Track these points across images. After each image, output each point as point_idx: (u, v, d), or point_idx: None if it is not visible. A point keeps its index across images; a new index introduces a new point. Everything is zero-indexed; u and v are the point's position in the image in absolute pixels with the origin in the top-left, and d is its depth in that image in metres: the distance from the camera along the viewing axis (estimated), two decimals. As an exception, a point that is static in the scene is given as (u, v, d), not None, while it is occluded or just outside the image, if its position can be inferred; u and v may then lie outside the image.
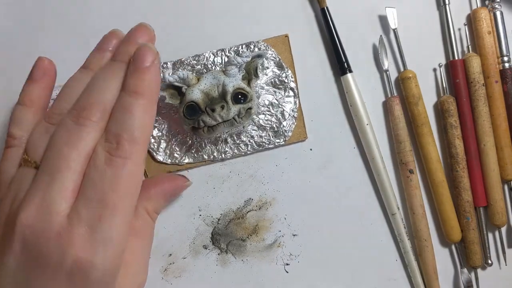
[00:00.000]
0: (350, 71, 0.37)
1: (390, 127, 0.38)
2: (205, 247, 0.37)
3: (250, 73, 0.34)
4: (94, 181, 0.25)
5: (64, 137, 0.26)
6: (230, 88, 0.32)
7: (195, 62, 0.36)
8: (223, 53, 0.36)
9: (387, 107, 0.38)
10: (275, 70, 0.37)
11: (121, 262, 0.26)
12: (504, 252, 0.38)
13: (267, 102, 0.37)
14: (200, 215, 0.37)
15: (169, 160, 0.37)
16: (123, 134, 0.26)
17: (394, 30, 0.38)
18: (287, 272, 0.38)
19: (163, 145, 0.36)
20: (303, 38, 0.38)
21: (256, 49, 0.36)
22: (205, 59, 0.36)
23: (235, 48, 0.36)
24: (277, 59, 0.37)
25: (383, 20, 0.39)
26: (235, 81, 0.33)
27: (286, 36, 0.37)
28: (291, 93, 0.37)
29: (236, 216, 0.38)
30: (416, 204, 0.37)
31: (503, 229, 0.39)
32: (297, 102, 0.37)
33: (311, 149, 0.38)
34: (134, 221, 0.31)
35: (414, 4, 0.39)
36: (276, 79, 0.37)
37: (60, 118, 0.28)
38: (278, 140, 0.37)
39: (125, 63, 0.28)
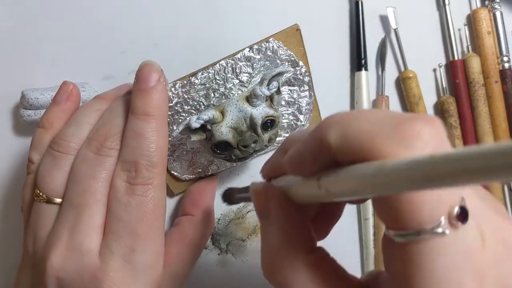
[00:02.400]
0: (366, 69, 0.38)
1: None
2: (205, 247, 0.37)
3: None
4: (119, 214, 0.25)
5: (87, 170, 0.26)
6: (259, 121, 0.30)
7: (206, 80, 0.32)
8: (233, 61, 0.32)
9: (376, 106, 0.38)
10: (290, 68, 0.35)
11: (160, 283, 0.26)
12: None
13: (283, 102, 0.35)
14: (200, 215, 0.37)
15: (193, 176, 0.36)
16: (140, 160, 0.25)
17: (395, 30, 0.38)
18: (287, 272, 0.38)
19: (185, 164, 0.35)
20: (311, 26, 0.38)
21: (269, 52, 0.33)
22: (215, 73, 0.32)
23: (247, 53, 0.32)
24: (291, 57, 0.34)
25: (384, 20, 0.39)
26: (262, 110, 0.30)
27: (298, 29, 0.34)
28: (306, 87, 0.35)
29: (236, 216, 0.38)
30: None
31: (503, 229, 0.39)
32: (312, 94, 0.36)
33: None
34: (194, 237, 0.32)
35: (414, 4, 0.39)
36: (291, 78, 0.35)
37: (69, 146, 0.27)
38: None
39: None
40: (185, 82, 0.32)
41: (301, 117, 0.36)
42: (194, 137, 0.31)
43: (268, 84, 0.31)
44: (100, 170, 0.26)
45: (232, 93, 0.33)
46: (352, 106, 0.38)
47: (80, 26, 0.38)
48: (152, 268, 0.25)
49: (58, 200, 0.26)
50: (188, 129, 0.30)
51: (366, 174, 0.16)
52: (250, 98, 0.31)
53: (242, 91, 0.33)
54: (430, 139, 0.16)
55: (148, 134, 0.26)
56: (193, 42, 0.37)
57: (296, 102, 0.36)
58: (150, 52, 0.37)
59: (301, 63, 0.34)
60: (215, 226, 0.37)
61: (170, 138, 0.33)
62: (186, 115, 0.33)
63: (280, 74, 0.31)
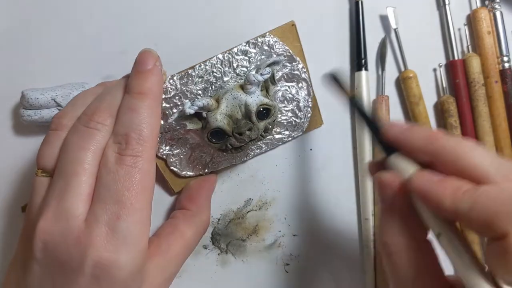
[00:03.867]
0: (366, 69, 0.38)
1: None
2: (205, 247, 0.37)
3: (267, 81, 0.33)
4: (107, 182, 0.26)
5: (76, 140, 0.27)
6: (253, 108, 0.31)
7: (203, 72, 0.33)
8: (230, 55, 0.33)
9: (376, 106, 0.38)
10: (286, 64, 0.35)
11: (145, 259, 0.26)
12: (504, 252, 0.38)
13: (281, 98, 0.36)
14: (200, 215, 0.37)
15: (193, 173, 0.36)
16: (131, 133, 0.26)
17: (395, 29, 0.38)
18: (287, 272, 0.38)
19: (184, 160, 0.35)
20: (310, 25, 0.38)
21: (265, 47, 0.34)
22: (212, 66, 0.33)
23: (243, 47, 0.34)
24: (287, 52, 0.35)
25: (384, 19, 0.39)
26: (256, 98, 0.31)
27: (293, 24, 0.35)
28: (304, 83, 0.36)
29: (236, 216, 0.38)
30: None
31: (503, 229, 0.39)
32: (311, 91, 0.36)
33: (311, 149, 0.38)
34: (187, 230, 0.32)
35: (414, 4, 0.39)
36: (289, 74, 0.35)
37: (60, 123, 0.28)
38: (296, 133, 0.36)
39: None
40: (183, 74, 0.33)
41: (300, 114, 0.36)
42: (190, 126, 0.31)
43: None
44: (88, 141, 0.27)
45: (228, 86, 0.33)
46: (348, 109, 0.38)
47: (80, 26, 0.38)
48: (136, 239, 0.25)
49: (51, 173, 0.27)
50: (184, 117, 0.31)
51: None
52: (244, 86, 0.31)
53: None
54: None
55: (141, 110, 0.27)
56: (193, 42, 0.38)
57: (295, 99, 0.36)
58: (150, 52, 0.37)
59: (298, 59, 0.35)
60: (215, 226, 0.37)
61: (166, 126, 0.34)
62: None
63: (275, 63, 0.32)
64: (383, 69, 0.38)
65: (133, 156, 0.26)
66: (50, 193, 0.26)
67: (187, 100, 0.33)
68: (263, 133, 0.32)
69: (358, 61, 0.38)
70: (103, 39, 0.37)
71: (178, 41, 0.38)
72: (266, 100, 0.31)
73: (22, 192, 0.37)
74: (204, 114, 0.31)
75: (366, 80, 0.37)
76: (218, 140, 0.31)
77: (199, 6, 0.38)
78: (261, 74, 0.30)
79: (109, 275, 0.24)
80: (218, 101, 0.31)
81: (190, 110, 0.30)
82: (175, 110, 0.33)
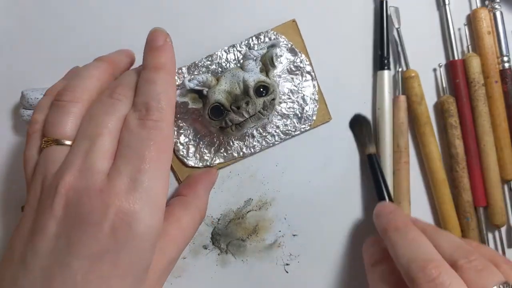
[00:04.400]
0: (389, 68, 0.38)
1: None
2: (205, 247, 0.37)
3: (267, 64, 0.34)
4: (130, 142, 0.27)
5: (101, 107, 0.28)
6: (251, 83, 0.32)
7: (209, 62, 0.36)
8: (234, 49, 0.36)
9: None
10: (289, 56, 0.37)
11: (162, 221, 0.27)
12: (504, 252, 0.38)
13: (286, 90, 0.36)
14: (200, 215, 0.37)
15: (200, 164, 0.36)
16: (151, 101, 0.28)
17: (397, 29, 0.38)
18: (287, 272, 0.38)
19: (192, 149, 0.36)
20: (310, 21, 0.38)
21: (267, 39, 0.36)
22: (218, 58, 0.36)
23: (246, 41, 0.36)
24: (289, 45, 0.36)
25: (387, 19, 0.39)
26: (254, 75, 0.33)
27: (294, 21, 0.36)
28: (309, 77, 0.37)
29: (236, 216, 0.38)
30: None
31: (503, 229, 0.39)
32: (316, 84, 0.37)
33: (311, 149, 0.38)
34: (183, 216, 0.32)
35: (414, 4, 0.39)
36: (291, 66, 0.37)
37: (74, 95, 0.29)
38: (303, 126, 0.37)
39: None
40: (189, 65, 0.36)
41: (306, 107, 0.37)
42: (192, 104, 0.33)
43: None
44: (113, 109, 0.28)
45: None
46: (360, 103, 0.38)
47: (80, 26, 0.38)
48: (156, 195, 0.26)
49: (68, 142, 0.28)
50: (186, 93, 0.32)
51: None
52: (242, 63, 0.33)
53: None
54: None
55: (158, 81, 0.29)
56: (195, 40, 0.38)
57: (300, 91, 0.37)
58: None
59: (297, 50, 0.36)
60: (215, 226, 0.37)
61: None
62: None
63: (273, 46, 0.34)
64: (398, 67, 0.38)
65: (154, 121, 0.27)
66: (73, 154, 0.27)
67: (187, 76, 0.35)
68: (261, 111, 0.33)
69: (381, 60, 0.38)
70: (103, 39, 0.37)
71: (180, 40, 0.38)
72: (263, 78, 0.33)
73: (23, 193, 0.37)
74: (204, 92, 0.33)
75: (389, 80, 0.38)
76: (217, 116, 0.33)
77: (201, 4, 0.38)
78: (256, 50, 0.32)
79: (127, 227, 0.25)
80: (218, 80, 0.33)
81: (189, 84, 0.32)
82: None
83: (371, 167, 0.37)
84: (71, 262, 0.24)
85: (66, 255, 0.25)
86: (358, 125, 0.38)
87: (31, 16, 0.38)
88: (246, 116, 0.32)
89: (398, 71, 0.38)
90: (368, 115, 0.38)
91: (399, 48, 0.38)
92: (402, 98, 0.38)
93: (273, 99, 0.33)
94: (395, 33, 0.38)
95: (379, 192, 0.36)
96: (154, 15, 0.38)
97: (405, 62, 0.38)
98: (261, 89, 0.33)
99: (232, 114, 0.32)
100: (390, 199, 0.36)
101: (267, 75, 0.34)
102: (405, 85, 0.38)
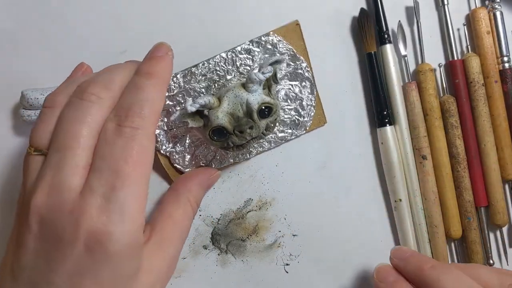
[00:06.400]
0: (390, 42, 0.37)
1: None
2: (205, 247, 0.37)
3: (269, 79, 0.32)
4: (104, 153, 0.25)
5: (71, 113, 0.26)
6: (255, 106, 0.30)
7: (206, 70, 0.34)
8: (233, 54, 0.34)
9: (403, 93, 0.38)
10: (290, 63, 0.35)
11: (141, 237, 0.26)
12: (505, 252, 0.38)
13: (285, 97, 0.36)
14: (200, 215, 0.37)
15: None
16: (133, 107, 0.26)
17: (417, 22, 0.38)
18: (287, 272, 0.37)
19: (187, 158, 0.35)
20: (315, 24, 0.38)
21: (269, 46, 0.34)
22: (215, 64, 0.34)
23: (247, 46, 0.34)
24: (291, 52, 0.35)
25: (409, 10, 0.39)
26: (258, 96, 0.31)
27: (297, 24, 0.35)
28: (308, 82, 0.36)
29: (236, 216, 0.37)
30: (429, 190, 0.37)
31: (504, 229, 0.39)
32: (315, 90, 0.36)
33: (311, 149, 0.38)
34: (174, 211, 0.31)
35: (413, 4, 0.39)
36: (292, 72, 0.36)
37: (54, 100, 0.27)
38: (299, 131, 0.36)
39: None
40: (186, 72, 0.33)
41: (303, 112, 0.36)
42: (192, 123, 0.31)
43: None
44: (83, 114, 0.26)
45: (231, 84, 0.33)
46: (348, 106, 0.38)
47: (80, 26, 0.38)
48: (132, 212, 0.24)
49: (45, 151, 0.26)
50: (186, 115, 0.31)
51: None
52: (246, 84, 0.31)
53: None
54: None
55: (146, 88, 0.27)
56: (196, 41, 0.38)
57: (298, 98, 0.36)
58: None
59: (301, 58, 0.35)
60: (215, 226, 0.37)
61: (169, 123, 0.34)
62: None
63: (277, 62, 0.32)
64: (403, 55, 0.38)
65: (132, 128, 0.25)
66: (45, 168, 0.25)
67: (189, 98, 0.33)
68: (264, 132, 0.31)
69: (380, 35, 0.37)
70: (103, 39, 0.37)
71: (181, 40, 0.38)
72: (267, 99, 0.31)
73: (22, 192, 0.37)
74: (206, 112, 0.31)
75: (393, 55, 0.37)
76: (219, 138, 0.31)
77: (202, 5, 0.38)
78: (263, 73, 0.30)
79: (102, 248, 0.24)
80: (220, 100, 0.31)
81: (191, 108, 0.30)
82: (178, 108, 0.33)
83: (369, 65, 0.36)
84: (53, 278, 0.24)
85: (48, 272, 0.24)
86: (365, 17, 0.36)
87: (31, 16, 0.38)
88: (249, 138, 0.31)
89: (405, 56, 0.38)
90: (345, 127, 0.38)
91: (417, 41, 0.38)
92: (410, 84, 0.37)
93: (275, 119, 0.32)
94: (415, 26, 0.39)
95: (375, 88, 0.36)
96: (154, 15, 0.38)
97: (421, 56, 0.38)
98: (265, 110, 0.31)
99: (234, 137, 0.31)
100: (386, 107, 0.37)
101: (269, 90, 0.32)
102: (419, 78, 0.37)
